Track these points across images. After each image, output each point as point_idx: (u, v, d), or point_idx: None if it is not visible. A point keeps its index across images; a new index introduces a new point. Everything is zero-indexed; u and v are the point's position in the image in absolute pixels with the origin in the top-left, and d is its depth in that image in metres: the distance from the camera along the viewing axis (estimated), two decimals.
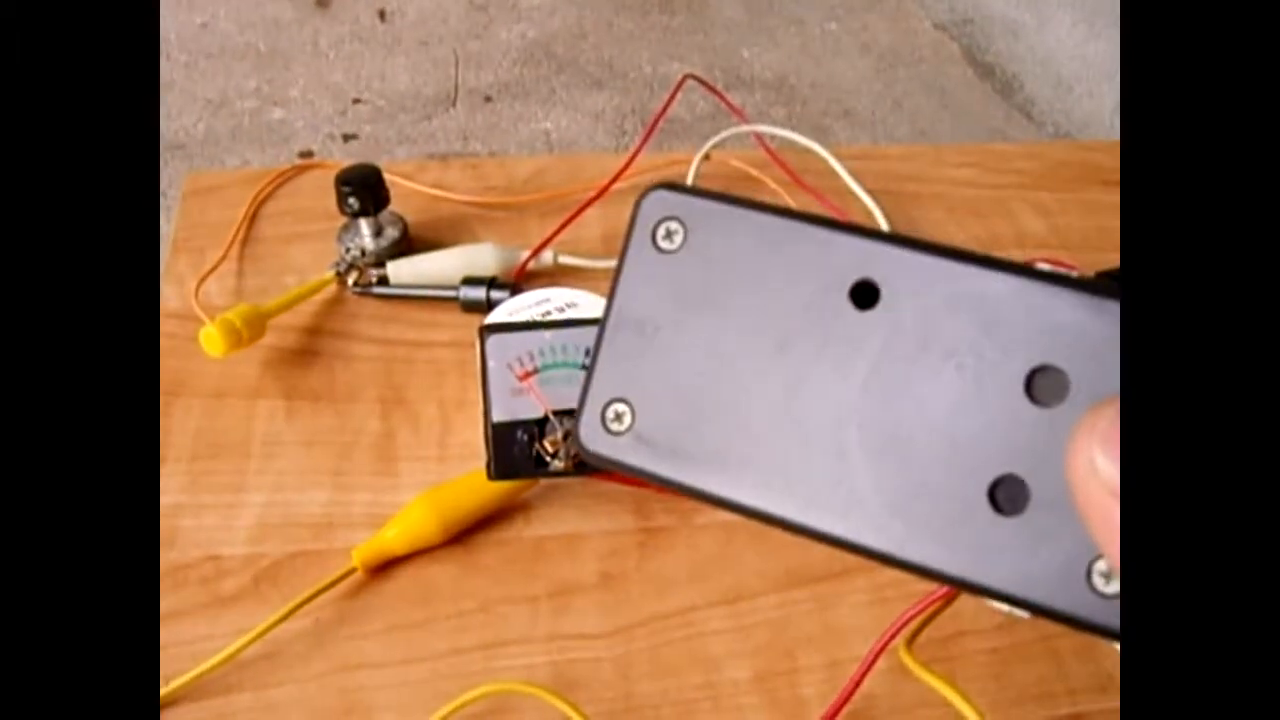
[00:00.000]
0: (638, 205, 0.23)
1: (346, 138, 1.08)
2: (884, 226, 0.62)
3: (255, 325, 0.51)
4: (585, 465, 0.45)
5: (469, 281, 0.55)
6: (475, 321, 0.45)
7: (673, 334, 0.22)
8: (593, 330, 0.44)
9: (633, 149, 0.62)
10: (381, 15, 1.25)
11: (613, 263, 0.64)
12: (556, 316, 0.49)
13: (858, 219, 0.63)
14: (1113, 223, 0.66)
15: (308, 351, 0.55)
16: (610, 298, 0.23)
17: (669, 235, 0.23)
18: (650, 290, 0.23)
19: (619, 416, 0.23)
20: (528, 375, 0.44)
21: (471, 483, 0.46)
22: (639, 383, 0.23)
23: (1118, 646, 0.19)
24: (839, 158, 0.65)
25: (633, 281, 0.23)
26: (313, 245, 0.59)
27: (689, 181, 0.61)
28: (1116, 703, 0.43)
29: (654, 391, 0.22)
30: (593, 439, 0.23)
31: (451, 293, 0.56)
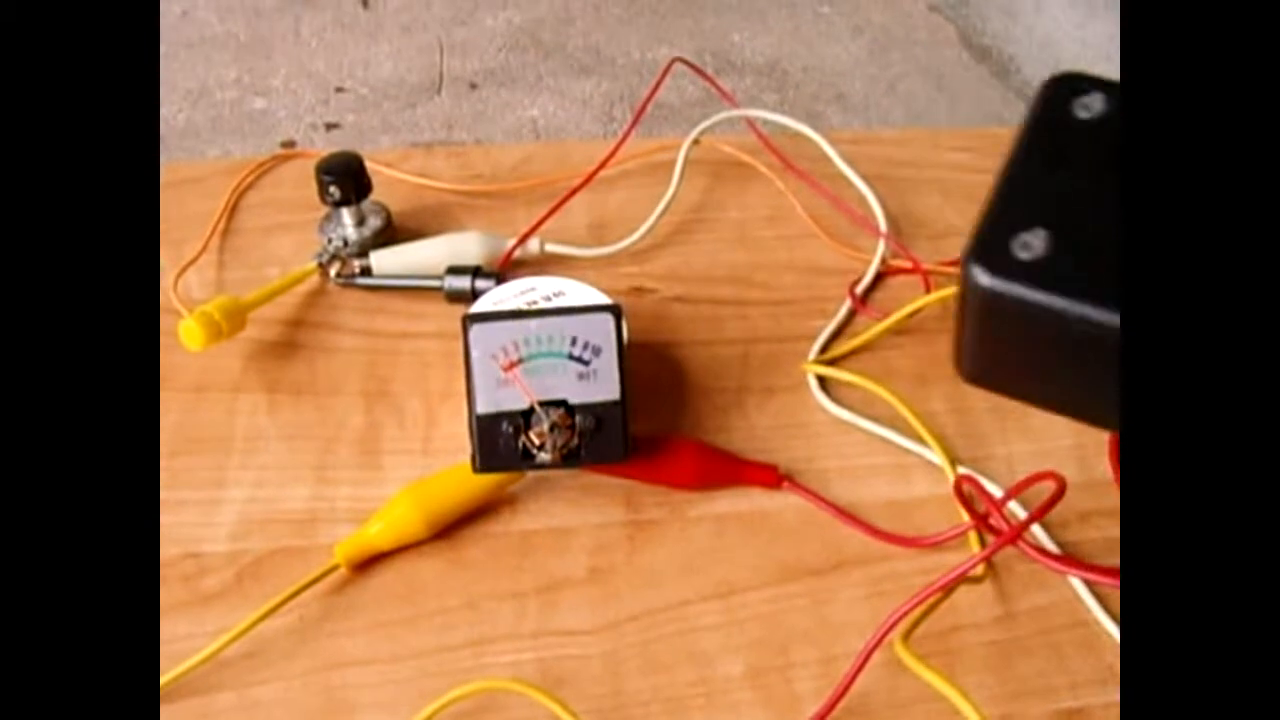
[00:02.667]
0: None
1: (329, 127, 1.06)
2: (879, 214, 0.61)
3: (235, 318, 0.50)
4: (573, 457, 0.44)
5: (454, 271, 0.54)
6: (460, 312, 0.44)
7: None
8: (578, 318, 0.43)
9: (620, 135, 0.61)
10: (364, 2, 1.23)
11: (600, 251, 0.62)
12: (543, 305, 0.48)
13: (852, 206, 0.62)
14: None
15: (290, 344, 0.53)
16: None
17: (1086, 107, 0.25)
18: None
19: (1027, 245, 0.24)
20: (512, 365, 0.43)
21: (457, 476, 0.45)
22: (1053, 217, 0.23)
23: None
24: (832, 142, 0.64)
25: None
26: (295, 236, 0.58)
27: (678, 168, 0.60)
28: (1118, 695, 0.42)
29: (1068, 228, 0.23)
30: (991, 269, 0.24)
31: (436, 283, 0.54)
